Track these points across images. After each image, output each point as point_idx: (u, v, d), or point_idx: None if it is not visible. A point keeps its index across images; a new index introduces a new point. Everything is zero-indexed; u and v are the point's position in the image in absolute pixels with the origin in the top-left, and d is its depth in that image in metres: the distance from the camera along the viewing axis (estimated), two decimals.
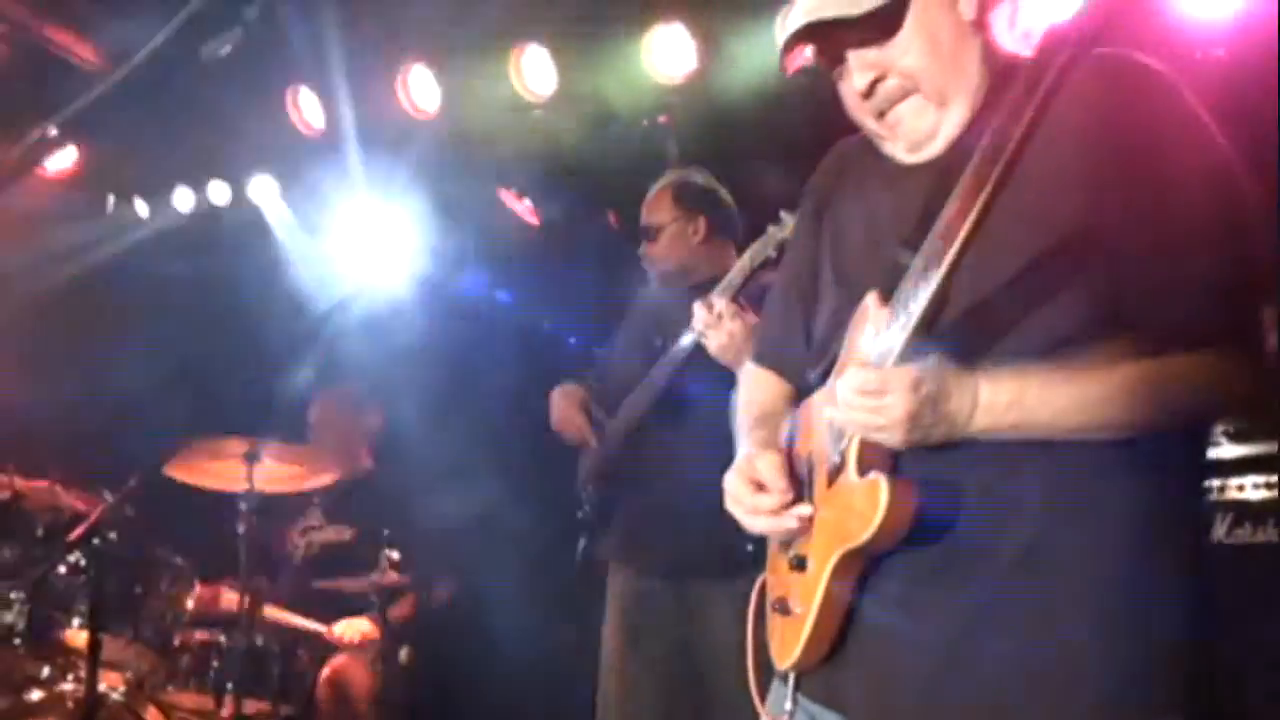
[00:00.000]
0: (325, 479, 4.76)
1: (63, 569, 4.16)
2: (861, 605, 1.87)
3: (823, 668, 1.93)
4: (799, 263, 2.27)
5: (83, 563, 4.18)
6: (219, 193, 6.29)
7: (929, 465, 1.77)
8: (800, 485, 1.99)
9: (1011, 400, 1.71)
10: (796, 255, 2.30)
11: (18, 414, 4.83)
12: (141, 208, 6.47)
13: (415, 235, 5.59)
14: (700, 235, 3.92)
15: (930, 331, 1.71)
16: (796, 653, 1.92)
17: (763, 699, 2.10)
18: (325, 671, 4.71)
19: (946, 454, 1.75)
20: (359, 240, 6.44)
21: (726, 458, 2.12)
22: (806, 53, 2.02)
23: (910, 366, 1.70)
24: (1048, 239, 1.76)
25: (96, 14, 5.74)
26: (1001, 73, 1.91)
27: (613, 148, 5.23)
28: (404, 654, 4.74)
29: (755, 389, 2.34)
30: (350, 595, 4.79)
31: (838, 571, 1.83)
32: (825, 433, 1.92)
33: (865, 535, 1.74)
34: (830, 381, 1.94)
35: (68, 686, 4.22)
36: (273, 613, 4.72)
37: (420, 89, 5.48)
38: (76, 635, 4.23)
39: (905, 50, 1.89)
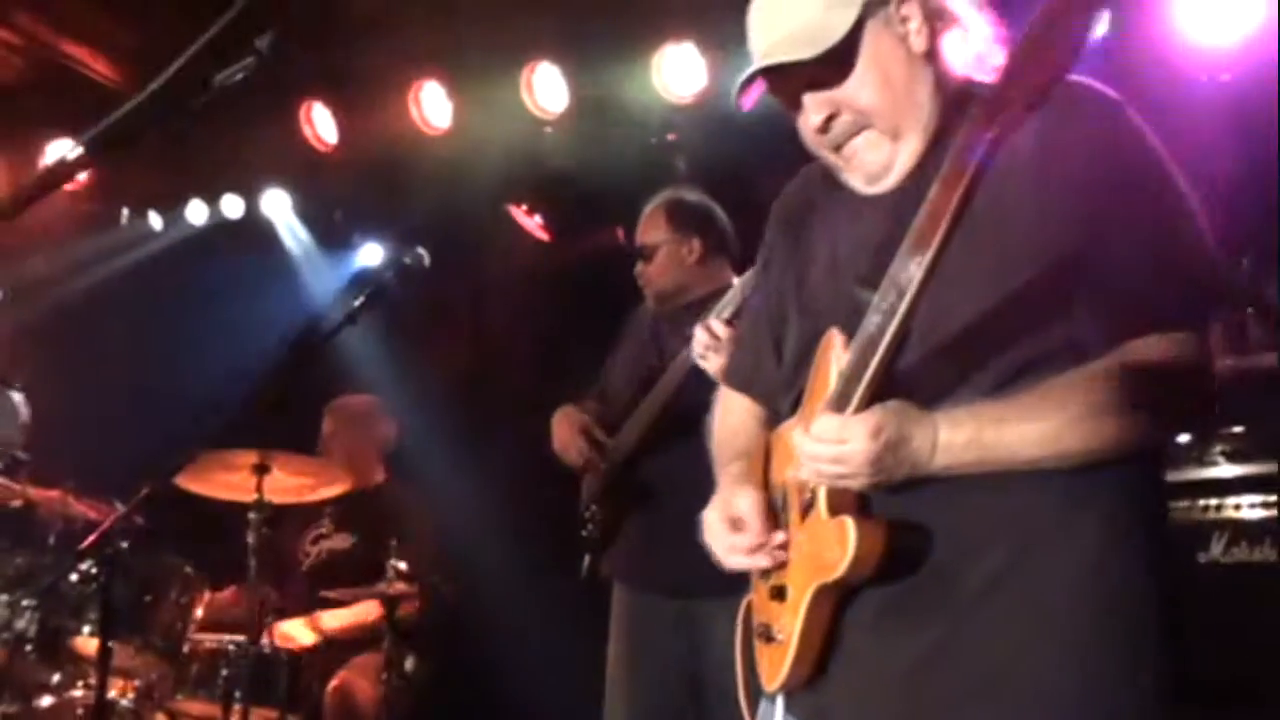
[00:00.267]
0: (336, 490, 4.79)
1: (74, 577, 4.19)
2: (841, 629, 1.92)
3: (809, 688, 1.98)
4: (767, 288, 2.30)
5: (93, 571, 4.20)
6: (232, 206, 6.36)
7: (896, 503, 1.82)
8: (776, 516, 2.04)
9: (969, 439, 1.76)
10: (765, 280, 2.33)
11: (30, 423, 4.87)
12: (155, 220, 6.54)
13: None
14: (695, 254, 3.92)
15: (890, 373, 1.75)
16: (782, 676, 1.97)
17: (753, 717, 2.15)
18: (332, 681, 4.73)
19: (912, 491, 1.80)
20: (366, 253, 6.54)
21: None
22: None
23: (870, 412, 1.74)
24: (1003, 272, 1.81)
25: (114, 30, 5.83)
26: (954, 99, 1.95)
27: (622, 164, 5.27)
28: (410, 664, 4.75)
29: (729, 414, 2.38)
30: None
31: (815, 602, 1.88)
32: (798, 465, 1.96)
33: (836, 574, 1.79)
34: (800, 411, 2.00)
35: (77, 693, 4.27)
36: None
37: (432, 105, 5.55)
38: (87, 642, 4.26)
39: (858, 89, 1.92)
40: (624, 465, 3.88)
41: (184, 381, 5.96)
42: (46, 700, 4.20)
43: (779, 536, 1.97)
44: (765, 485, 2.13)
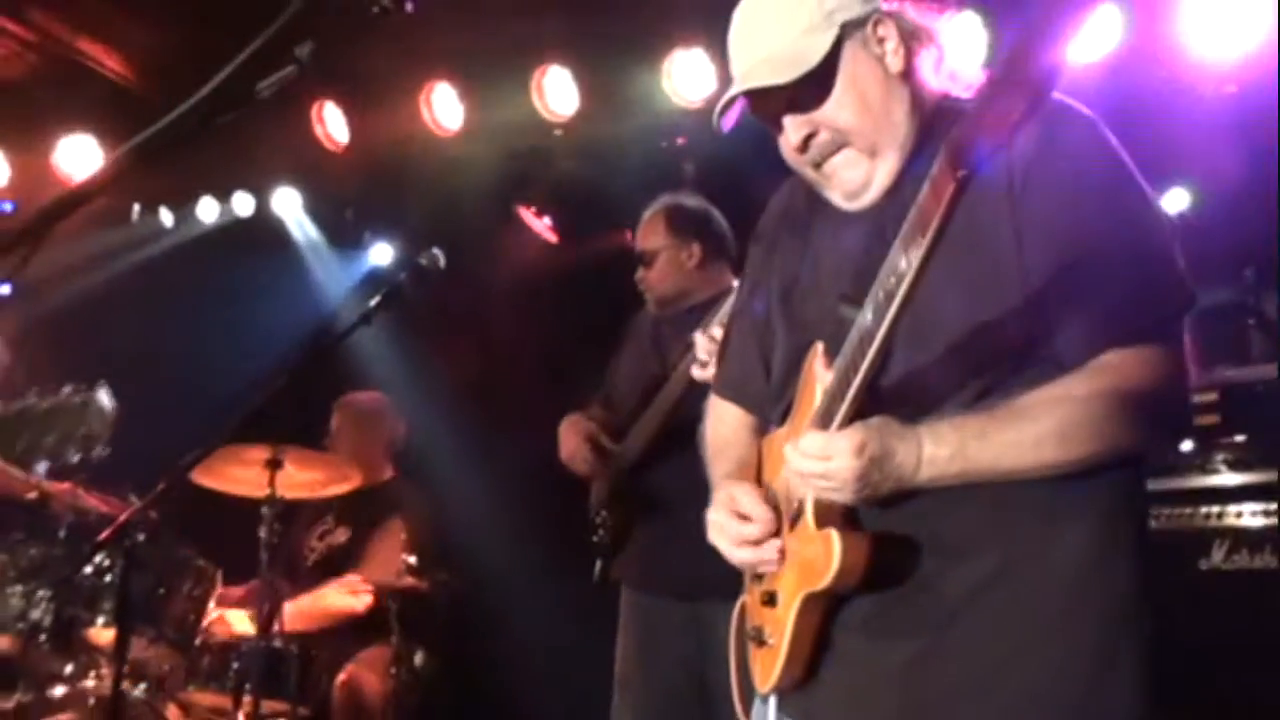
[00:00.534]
0: (346, 486, 4.83)
1: (88, 569, 4.24)
2: (832, 632, 1.97)
3: (800, 689, 2.03)
4: (754, 299, 2.34)
5: (106, 563, 4.26)
6: (242, 204, 6.40)
7: (882, 514, 1.87)
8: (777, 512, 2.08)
9: (953, 453, 1.81)
10: (751, 291, 2.37)
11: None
12: (166, 217, 6.57)
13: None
14: (695, 259, 3.96)
15: (874, 388, 1.80)
16: (774, 679, 2.02)
17: (747, 716, 2.21)
18: (340, 675, 4.75)
19: (899, 504, 1.85)
20: (377, 252, 6.58)
21: None
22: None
23: (853, 429, 1.79)
24: (981, 288, 1.87)
25: (127, 27, 5.86)
26: (930, 116, 2.01)
27: (631, 167, 5.32)
28: (419, 659, 4.79)
29: (722, 423, 2.42)
30: None
31: (803, 609, 1.93)
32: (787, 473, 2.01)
33: (822, 584, 1.85)
34: (790, 420, 2.05)
35: (89, 684, 4.32)
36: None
37: (443, 106, 5.59)
38: (100, 633, 4.31)
39: (836, 110, 1.98)
40: (631, 472, 3.92)
41: (192, 377, 5.99)
42: (59, 690, 4.24)
43: (781, 542, 2.01)
44: None
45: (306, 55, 1.81)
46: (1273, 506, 3.70)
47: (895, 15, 2.00)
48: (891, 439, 1.80)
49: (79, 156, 6.24)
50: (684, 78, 5.00)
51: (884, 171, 2.00)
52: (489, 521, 5.68)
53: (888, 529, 1.87)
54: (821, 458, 1.79)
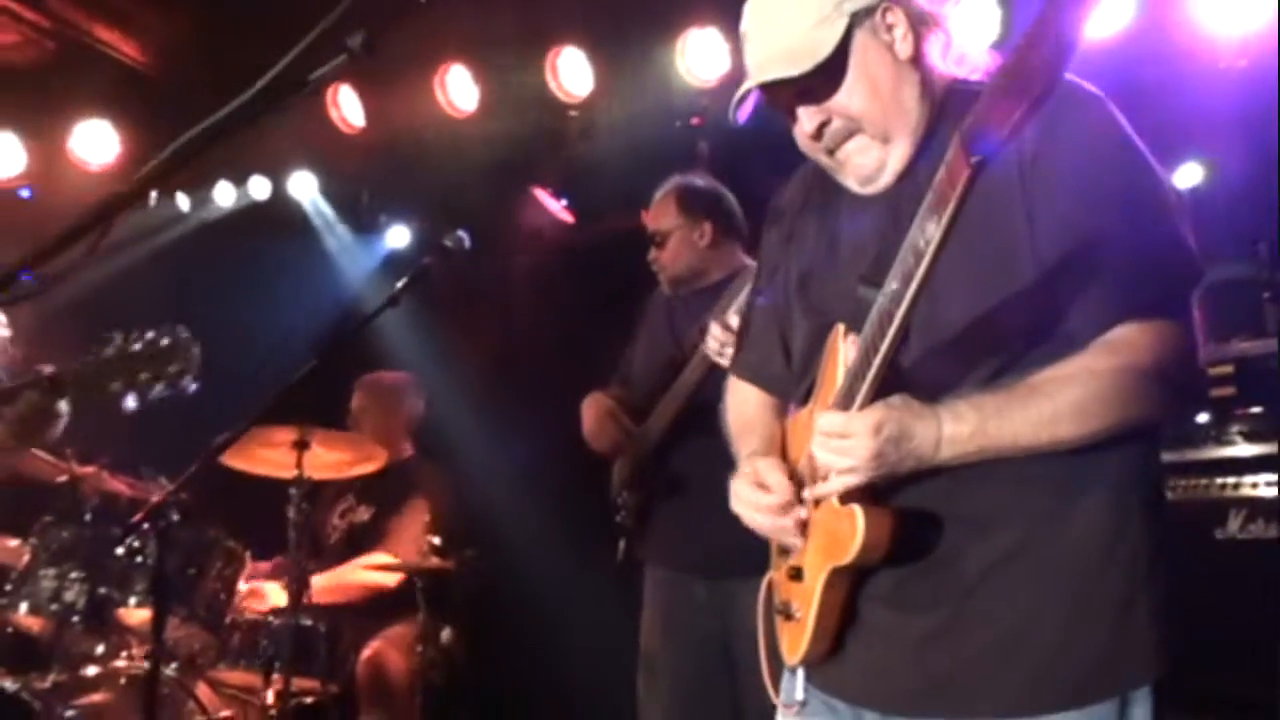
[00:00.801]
0: (371, 466, 4.88)
1: (119, 550, 4.31)
2: (858, 605, 2.04)
3: (827, 660, 2.10)
4: (772, 283, 2.38)
5: (137, 544, 4.32)
6: (259, 187, 6.44)
7: (906, 490, 1.92)
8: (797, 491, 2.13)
9: (973, 431, 1.85)
10: (769, 276, 2.41)
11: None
12: (183, 201, 6.60)
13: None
14: (707, 239, 3.99)
15: (894, 368, 1.84)
16: (801, 651, 2.09)
17: (776, 689, 2.26)
18: (364, 652, 4.82)
19: (921, 480, 1.90)
20: (394, 235, 6.62)
21: None
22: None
23: (872, 409, 1.83)
24: (997, 267, 1.91)
25: (143, 13, 5.89)
26: (940, 100, 2.06)
27: (647, 148, 5.33)
28: (446, 636, 4.84)
29: (745, 404, 2.47)
30: None
31: (829, 584, 1.99)
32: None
33: (847, 559, 1.90)
34: (813, 400, 2.10)
35: (121, 663, 4.38)
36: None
37: (458, 88, 5.62)
38: (131, 613, 4.38)
39: (848, 98, 2.01)
40: (653, 453, 3.95)
41: (209, 361, 6.01)
42: (92, 670, 4.28)
43: (801, 513, 2.06)
44: None
45: (359, 45, 1.85)
46: None
47: (903, 2, 2.04)
48: (910, 419, 1.83)
49: (95, 142, 6.29)
50: (698, 57, 5.02)
51: (897, 156, 2.04)
52: (511, 500, 5.73)
53: (911, 505, 1.92)
54: (840, 436, 1.84)
